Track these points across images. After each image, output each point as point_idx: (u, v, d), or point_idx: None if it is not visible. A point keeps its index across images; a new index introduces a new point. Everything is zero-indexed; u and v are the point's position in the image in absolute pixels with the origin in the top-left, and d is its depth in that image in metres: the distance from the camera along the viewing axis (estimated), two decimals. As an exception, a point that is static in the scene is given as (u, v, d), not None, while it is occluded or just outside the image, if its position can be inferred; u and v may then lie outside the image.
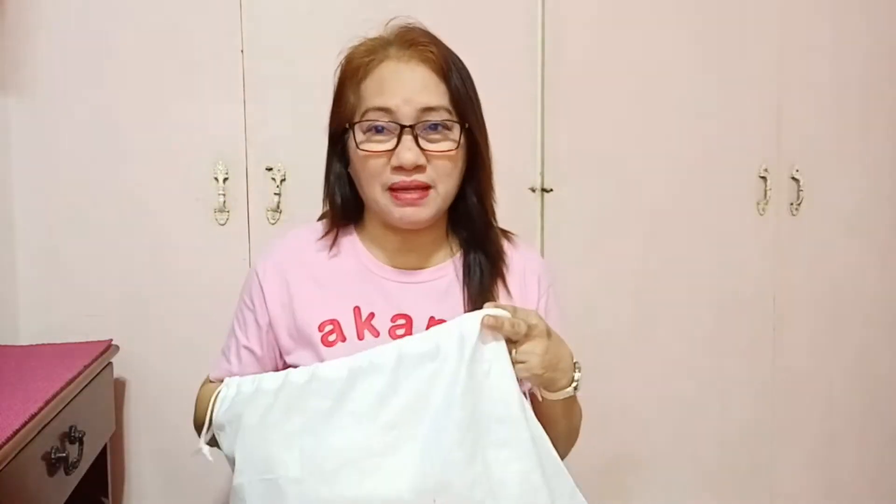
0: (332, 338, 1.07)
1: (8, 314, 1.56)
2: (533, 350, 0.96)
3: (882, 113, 2.04)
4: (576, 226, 1.79)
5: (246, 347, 1.12)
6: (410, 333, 1.07)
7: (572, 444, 1.15)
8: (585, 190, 1.79)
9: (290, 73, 1.61)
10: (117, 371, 1.59)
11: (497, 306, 0.96)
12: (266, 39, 1.61)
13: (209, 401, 1.03)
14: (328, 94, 1.12)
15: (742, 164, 1.91)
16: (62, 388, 1.24)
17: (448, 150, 1.05)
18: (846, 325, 2.06)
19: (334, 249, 1.14)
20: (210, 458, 0.99)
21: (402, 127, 1.03)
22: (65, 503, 1.23)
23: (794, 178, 1.95)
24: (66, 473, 1.20)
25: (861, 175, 2.04)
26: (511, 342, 0.96)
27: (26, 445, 1.06)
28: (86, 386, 1.35)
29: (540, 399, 1.03)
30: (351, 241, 1.15)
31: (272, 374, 1.00)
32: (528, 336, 0.96)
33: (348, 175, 1.12)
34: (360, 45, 1.09)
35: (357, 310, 1.08)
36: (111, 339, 1.57)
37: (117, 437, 1.61)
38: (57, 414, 1.19)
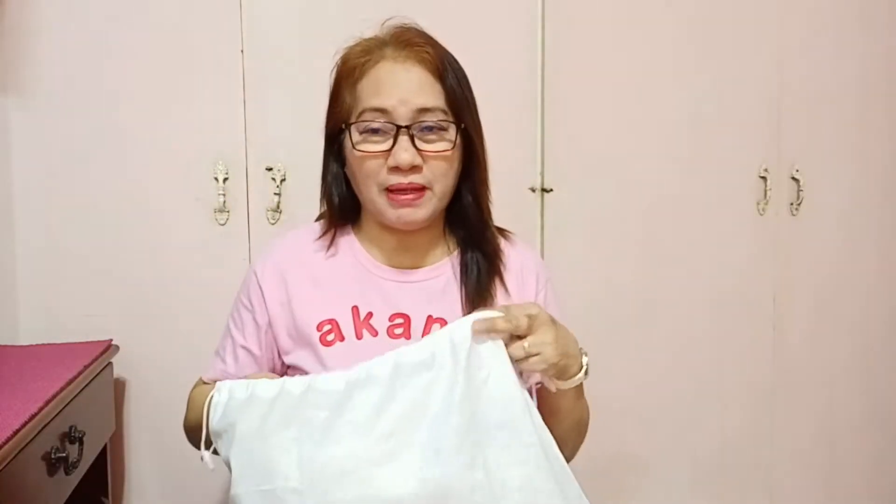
0: (330, 337, 1.07)
1: (8, 314, 1.57)
2: (544, 339, 0.94)
3: (881, 113, 2.04)
4: (576, 226, 1.79)
5: (243, 347, 1.12)
6: (408, 333, 1.07)
7: (582, 439, 1.14)
8: (585, 190, 1.79)
9: (290, 73, 1.61)
10: (117, 371, 1.59)
11: (487, 311, 0.95)
12: (266, 39, 1.61)
13: (201, 404, 1.00)
14: (328, 94, 1.12)
15: (742, 164, 1.90)
16: (62, 388, 1.24)
17: (444, 151, 1.05)
18: (846, 325, 2.05)
19: (332, 249, 1.14)
20: (212, 466, 0.98)
21: (399, 128, 1.03)
22: (65, 503, 1.24)
23: (794, 178, 1.95)
24: (66, 473, 1.20)
25: (861, 175, 2.04)
26: (517, 338, 0.94)
27: (26, 445, 1.06)
28: (86, 386, 1.36)
29: (554, 390, 1.01)
30: (348, 241, 1.15)
31: (266, 381, 0.98)
32: (532, 327, 0.94)
33: (345, 175, 1.12)
34: (356, 45, 1.09)
35: (355, 309, 1.09)
36: (111, 339, 1.57)
37: (117, 437, 1.62)
38: (57, 414, 1.19)
